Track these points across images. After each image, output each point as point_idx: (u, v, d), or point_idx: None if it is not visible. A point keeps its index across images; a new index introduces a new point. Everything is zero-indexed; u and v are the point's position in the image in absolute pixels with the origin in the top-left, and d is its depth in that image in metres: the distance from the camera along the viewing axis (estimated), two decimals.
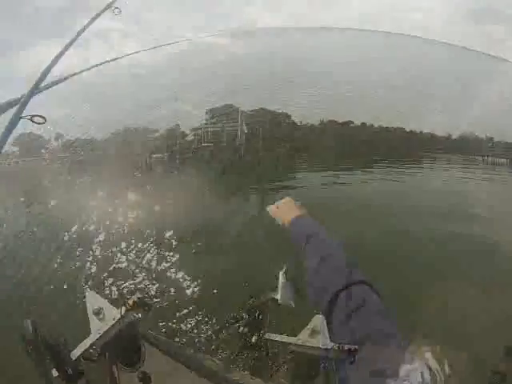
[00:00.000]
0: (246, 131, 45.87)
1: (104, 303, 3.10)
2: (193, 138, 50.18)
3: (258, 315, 2.19)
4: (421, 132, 67.97)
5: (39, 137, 66.15)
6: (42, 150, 65.58)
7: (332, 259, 1.62)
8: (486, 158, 44.51)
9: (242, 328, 2.16)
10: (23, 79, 78.94)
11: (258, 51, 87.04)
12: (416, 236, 11.49)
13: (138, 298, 2.60)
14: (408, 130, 68.53)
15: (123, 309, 2.66)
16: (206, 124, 50.35)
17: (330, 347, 2.02)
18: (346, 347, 1.92)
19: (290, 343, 2.51)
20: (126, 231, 14.33)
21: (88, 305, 2.89)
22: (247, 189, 24.73)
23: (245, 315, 2.11)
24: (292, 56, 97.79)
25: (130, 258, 10.77)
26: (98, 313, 2.89)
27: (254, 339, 2.26)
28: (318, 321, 2.68)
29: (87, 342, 2.89)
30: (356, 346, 1.90)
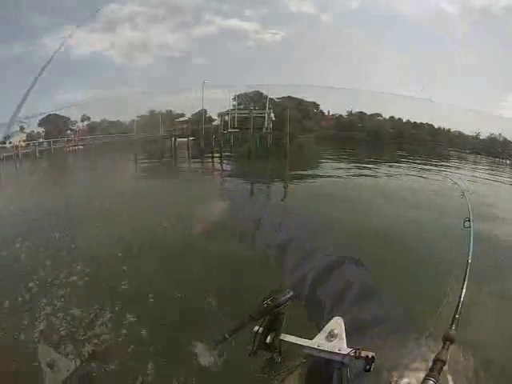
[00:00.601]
0: (273, 118, 45.79)
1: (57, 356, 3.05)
2: (219, 123, 50.32)
3: (275, 315, 2.16)
4: (449, 130, 67.08)
5: (67, 118, 68.61)
6: (68, 131, 68.67)
7: None
8: None
9: (257, 327, 2.11)
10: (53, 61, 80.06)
11: (288, 38, 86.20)
12: (432, 232, 11.43)
13: None
14: (437, 126, 68.43)
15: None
16: (233, 110, 50.36)
17: (346, 352, 2.18)
18: (364, 353, 2.11)
19: (306, 346, 2.40)
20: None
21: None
22: (272, 175, 24.82)
23: (262, 314, 2.06)
24: (324, 43, 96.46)
25: None
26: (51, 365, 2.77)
27: (268, 339, 2.20)
28: (336, 324, 2.55)
29: None
30: (373, 354, 2.07)
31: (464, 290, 2.54)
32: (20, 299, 8.00)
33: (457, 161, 41.47)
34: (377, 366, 2.06)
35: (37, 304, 7.76)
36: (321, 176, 24.99)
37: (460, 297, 2.48)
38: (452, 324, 2.36)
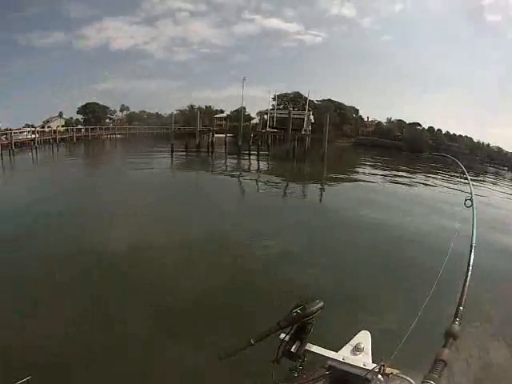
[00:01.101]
0: (312, 121, 45.35)
1: None
2: (258, 121, 50.28)
3: (303, 324, 2.00)
4: (488, 145, 65.37)
5: (106, 107, 70.75)
6: (107, 120, 70.24)
7: None
8: None
9: (283, 335, 1.96)
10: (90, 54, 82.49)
11: (328, 41, 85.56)
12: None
13: None
14: (476, 140, 67.21)
15: None
16: (272, 109, 50.22)
17: (370, 368, 2.09)
18: (388, 370, 2.01)
19: (330, 357, 2.29)
20: None
21: None
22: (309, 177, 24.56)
23: (291, 323, 1.92)
24: (363, 48, 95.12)
25: None
26: None
27: (294, 348, 2.05)
28: (363, 337, 2.51)
29: None
30: (398, 371, 1.97)
31: (469, 278, 2.25)
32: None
33: (493, 177, 39.40)
34: None
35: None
36: (356, 180, 24.40)
37: (464, 286, 2.20)
38: (455, 318, 2.04)
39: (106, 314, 6.40)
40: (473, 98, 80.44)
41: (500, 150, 64.24)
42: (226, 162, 31.50)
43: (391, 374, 1.99)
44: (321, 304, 2.16)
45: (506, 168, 57.17)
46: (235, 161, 31.26)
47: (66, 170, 23.68)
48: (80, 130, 50.58)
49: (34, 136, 37.10)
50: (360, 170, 31.72)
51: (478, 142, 66.47)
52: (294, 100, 63.70)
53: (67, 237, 10.18)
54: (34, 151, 33.37)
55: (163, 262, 8.70)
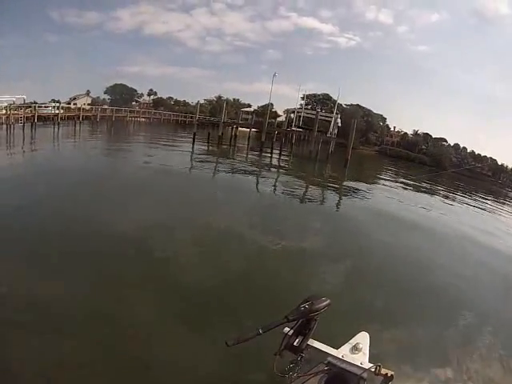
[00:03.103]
0: (339, 124, 44.77)
1: None
2: (284, 119, 49.98)
3: (308, 320, 2.04)
4: None
5: (133, 90, 71.03)
6: (134, 103, 70.57)
7: None
8: None
9: (288, 329, 2.00)
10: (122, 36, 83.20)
11: (362, 45, 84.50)
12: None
13: None
14: (500, 162, 65.25)
15: None
16: (300, 108, 49.80)
17: (367, 367, 2.24)
18: (384, 371, 2.15)
19: (330, 354, 2.44)
20: None
21: None
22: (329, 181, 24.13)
23: (298, 317, 1.95)
24: (398, 56, 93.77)
25: None
26: None
27: (296, 342, 2.08)
28: (362, 338, 2.68)
29: None
30: (393, 373, 2.12)
31: None
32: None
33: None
34: None
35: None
36: (375, 189, 23.92)
37: None
38: None
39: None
40: (503, 119, 79.40)
41: None
42: (246, 157, 31.15)
43: (386, 374, 2.15)
44: (328, 302, 2.30)
45: None
46: (256, 157, 30.84)
47: (79, 151, 23.09)
48: (105, 109, 50.97)
49: (57, 112, 37.27)
50: (383, 180, 31.13)
51: (502, 165, 65.23)
52: (322, 101, 63.34)
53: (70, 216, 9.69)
54: (55, 126, 33.33)
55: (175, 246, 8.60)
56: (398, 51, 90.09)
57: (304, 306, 2.27)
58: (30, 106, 33.93)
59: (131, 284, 6.38)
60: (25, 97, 36.78)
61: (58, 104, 41.22)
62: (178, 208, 11.50)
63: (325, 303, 2.29)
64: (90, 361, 4.49)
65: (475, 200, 31.97)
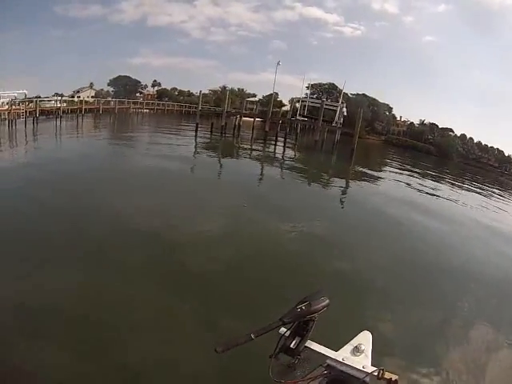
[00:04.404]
0: (345, 113, 44.26)
1: None
2: (289, 108, 49.46)
3: (306, 321, 1.82)
4: None
5: (137, 81, 70.59)
6: (138, 94, 70.38)
7: None
8: None
9: (284, 329, 1.78)
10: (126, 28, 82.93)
11: (367, 35, 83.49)
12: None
13: None
14: (507, 154, 64.49)
15: None
16: (305, 98, 49.24)
17: (370, 371, 2.04)
18: (387, 375, 1.97)
19: (329, 357, 2.19)
20: None
21: None
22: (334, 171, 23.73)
23: (294, 319, 1.74)
24: (404, 47, 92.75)
25: None
26: None
27: (293, 344, 1.83)
28: (364, 338, 2.43)
29: None
30: (397, 377, 1.94)
31: None
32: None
33: None
34: None
35: None
36: (380, 179, 23.49)
37: None
38: None
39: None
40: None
41: None
42: (251, 147, 30.76)
43: (390, 379, 1.96)
44: (326, 302, 2.12)
45: None
46: (259, 147, 30.45)
47: (77, 145, 22.30)
48: (109, 101, 50.64)
49: (60, 105, 37.04)
50: (390, 171, 30.63)
51: (509, 156, 64.53)
52: (327, 91, 62.77)
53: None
54: (58, 120, 32.99)
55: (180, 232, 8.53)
56: (404, 41, 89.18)
57: (301, 308, 2.06)
58: (33, 101, 33.69)
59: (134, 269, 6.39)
60: (26, 92, 36.77)
61: (59, 98, 40.95)
62: (178, 200, 11.29)
63: (323, 303, 2.10)
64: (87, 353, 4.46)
65: (482, 189, 31.70)
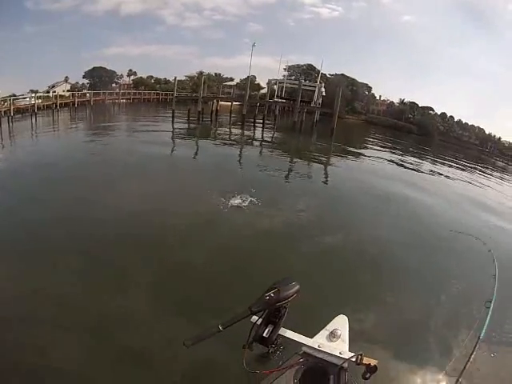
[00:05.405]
0: (324, 94, 43.98)
1: None
2: (266, 91, 48.95)
3: (277, 308, 1.57)
4: (499, 139, 64.20)
5: (112, 72, 68.78)
6: (114, 85, 68.10)
7: None
8: None
9: (256, 318, 1.52)
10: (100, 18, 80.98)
11: (345, 16, 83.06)
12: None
13: None
14: (487, 132, 65.87)
15: None
16: (282, 79, 48.79)
17: (347, 357, 2.06)
18: (366, 360, 1.97)
19: (305, 344, 2.20)
20: None
21: None
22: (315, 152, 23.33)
23: (263, 308, 1.52)
24: (382, 27, 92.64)
25: None
26: None
27: (266, 333, 2.13)
28: (340, 323, 2.44)
29: None
30: (376, 362, 1.95)
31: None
32: None
33: (499, 172, 38.50)
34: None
35: None
36: (360, 156, 23.41)
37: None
38: None
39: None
40: (491, 89, 79.32)
41: (510, 144, 63.42)
42: (229, 131, 30.29)
43: (369, 364, 1.95)
44: (297, 287, 2.11)
45: None
46: (237, 130, 29.95)
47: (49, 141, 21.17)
48: (85, 94, 49.26)
49: (34, 102, 35.58)
50: (371, 149, 30.51)
51: (489, 135, 65.85)
52: (306, 72, 62.35)
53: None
54: (34, 117, 31.58)
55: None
56: (382, 21, 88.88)
57: (269, 295, 2.05)
58: (6, 100, 32.45)
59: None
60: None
61: (33, 94, 39.62)
62: (160, 188, 10.85)
63: (293, 290, 2.11)
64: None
65: (465, 165, 31.99)
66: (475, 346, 2.28)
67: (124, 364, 4.20)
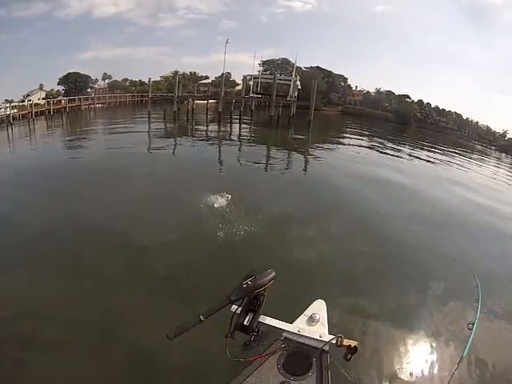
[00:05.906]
0: (299, 87, 44.06)
1: None
2: (241, 87, 48.80)
3: (255, 296, 1.74)
4: (477, 123, 65.71)
5: (87, 77, 67.72)
6: (89, 90, 67.02)
7: None
8: None
9: (235, 307, 1.69)
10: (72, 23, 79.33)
11: (318, 9, 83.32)
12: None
13: None
14: (465, 117, 67.07)
15: None
16: (257, 74, 48.73)
17: (327, 340, 2.09)
18: (346, 342, 2.00)
19: (285, 330, 2.24)
20: None
21: None
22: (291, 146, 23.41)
23: (241, 296, 1.53)
24: (355, 19, 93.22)
25: None
26: None
27: (246, 321, 2.15)
28: (318, 307, 2.44)
29: None
30: (356, 343, 1.98)
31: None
32: None
33: (478, 155, 39.52)
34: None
35: None
36: (336, 150, 23.65)
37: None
38: None
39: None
40: (467, 75, 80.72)
41: (488, 129, 64.79)
42: (206, 128, 30.23)
43: (349, 346, 1.98)
44: (273, 274, 2.12)
45: (493, 147, 57.90)
46: (214, 128, 29.88)
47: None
48: (60, 101, 48.29)
49: (9, 112, 34.72)
50: (347, 139, 30.87)
51: (467, 119, 66.91)
52: (281, 66, 62.36)
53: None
54: (9, 128, 30.79)
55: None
56: (356, 12, 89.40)
57: (247, 283, 2.07)
58: None
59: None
60: None
61: (8, 104, 38.75)
62: (138, 189, 10.77)
63: (270, 276, 2.11)
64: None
65: (443, 150, 32.54)
66: (458, 363, 2.30)
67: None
